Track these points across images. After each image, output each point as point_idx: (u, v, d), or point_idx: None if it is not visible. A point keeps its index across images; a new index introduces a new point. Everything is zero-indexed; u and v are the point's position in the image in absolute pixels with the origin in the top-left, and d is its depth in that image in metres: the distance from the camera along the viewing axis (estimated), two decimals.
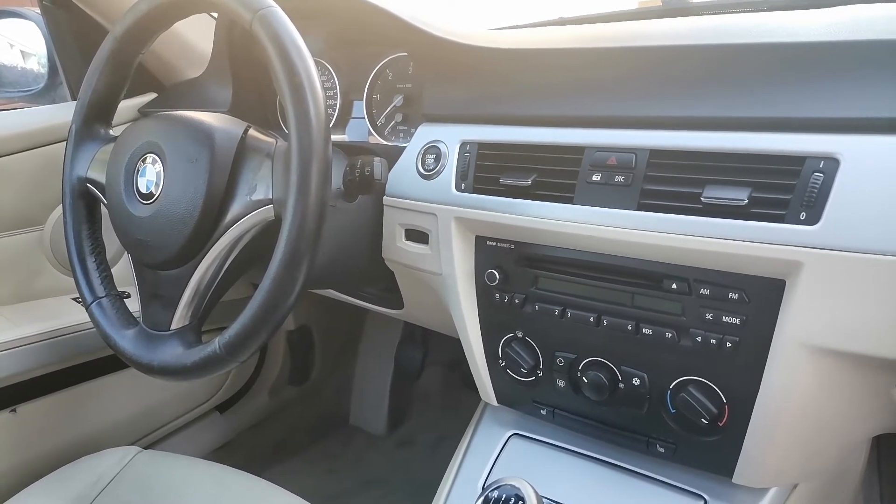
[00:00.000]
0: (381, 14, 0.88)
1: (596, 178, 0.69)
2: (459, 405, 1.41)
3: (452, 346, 0.88)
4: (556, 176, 0.72)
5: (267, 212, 0.68)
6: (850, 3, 0.77)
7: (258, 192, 0.69)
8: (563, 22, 1.10)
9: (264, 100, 1.13)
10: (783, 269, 0.59)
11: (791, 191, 0.58)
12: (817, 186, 0.56)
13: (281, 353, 1.59)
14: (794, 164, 0.58)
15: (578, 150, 0.71)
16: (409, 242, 0.86)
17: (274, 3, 0.67)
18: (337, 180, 0.82)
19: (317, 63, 0.89)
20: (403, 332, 1.72)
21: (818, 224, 0.56)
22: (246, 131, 0.73)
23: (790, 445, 0.66)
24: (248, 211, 0.69)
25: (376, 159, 0.81)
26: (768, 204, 0.59)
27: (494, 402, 0.86)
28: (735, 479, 0.69)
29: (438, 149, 0.82)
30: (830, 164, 0.56)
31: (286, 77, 0.63)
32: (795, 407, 0.63)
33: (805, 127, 0.59)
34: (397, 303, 1.00)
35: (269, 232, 0.68)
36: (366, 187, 0.82)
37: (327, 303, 1.20)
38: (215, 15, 1.11)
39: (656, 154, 0.66)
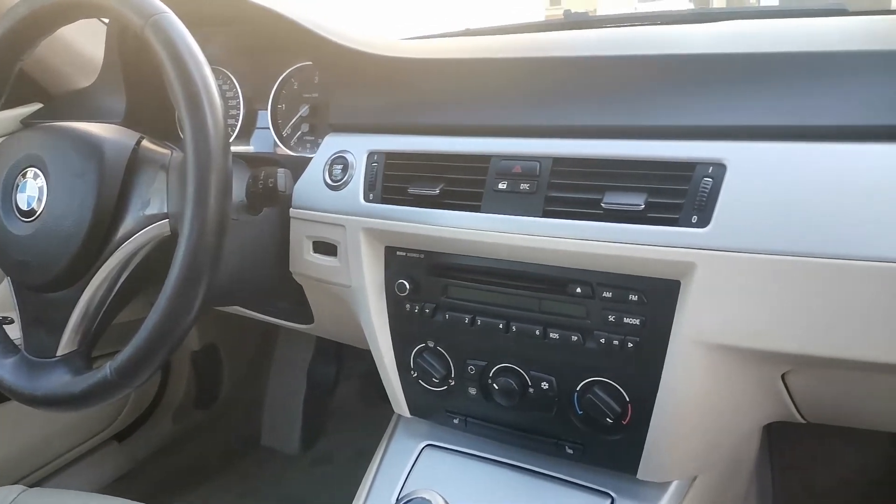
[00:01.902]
0: (283, 22, 0.86)
1: (502, 186, 0.70)
2: (376, 419, 1.39)
3: (368, 359, 0.87)
4: (463, 185, 0.73)
5: (162, 227, 0.65)
6: (734, 19, 0.83)
7: (152, 206, 0.66)
8: (469, 33, 1.12)
9: (163, 110, 1.08)
10: (678, 270, 0.62)
11: (684, 195, 0.61)
12: (707, 191, 0.60)
13: (185, 375, 1.52)
14: (685, 169, 0.61)
15: (485, 158, 0.72)
16: (317, 255, 0.84)
17: (167, 9, 0.64)
18: (239, 192, 0.79)
19: (217, 71, 0.86)
20: (316, 346, 1.68)
21: (708, 226, 0.59)
22: (139, 142, 0.70)
23: (689, 438, 0.69)
24: (142, 226, 0.66)
25: (280, 170, 0.79)
26: (663, 208, 0.62)
27: (407, 414, 0.86)
28: (639, 475, 0.71)
29: (346, 159, 0.81)
30: (718, 170, 0.60)
31: (181, 85, 0.61)
32: (692, 401, 0.66)
33: (696, 134, 0.62)
34: (307, 317, 0.98)
35: (164, 248, 0.65)
36: (270, 199, 0.80)
37: (235, 320, 1.15)
38: (106, 20, 1.06)
39: (559, 162, 0.68)
